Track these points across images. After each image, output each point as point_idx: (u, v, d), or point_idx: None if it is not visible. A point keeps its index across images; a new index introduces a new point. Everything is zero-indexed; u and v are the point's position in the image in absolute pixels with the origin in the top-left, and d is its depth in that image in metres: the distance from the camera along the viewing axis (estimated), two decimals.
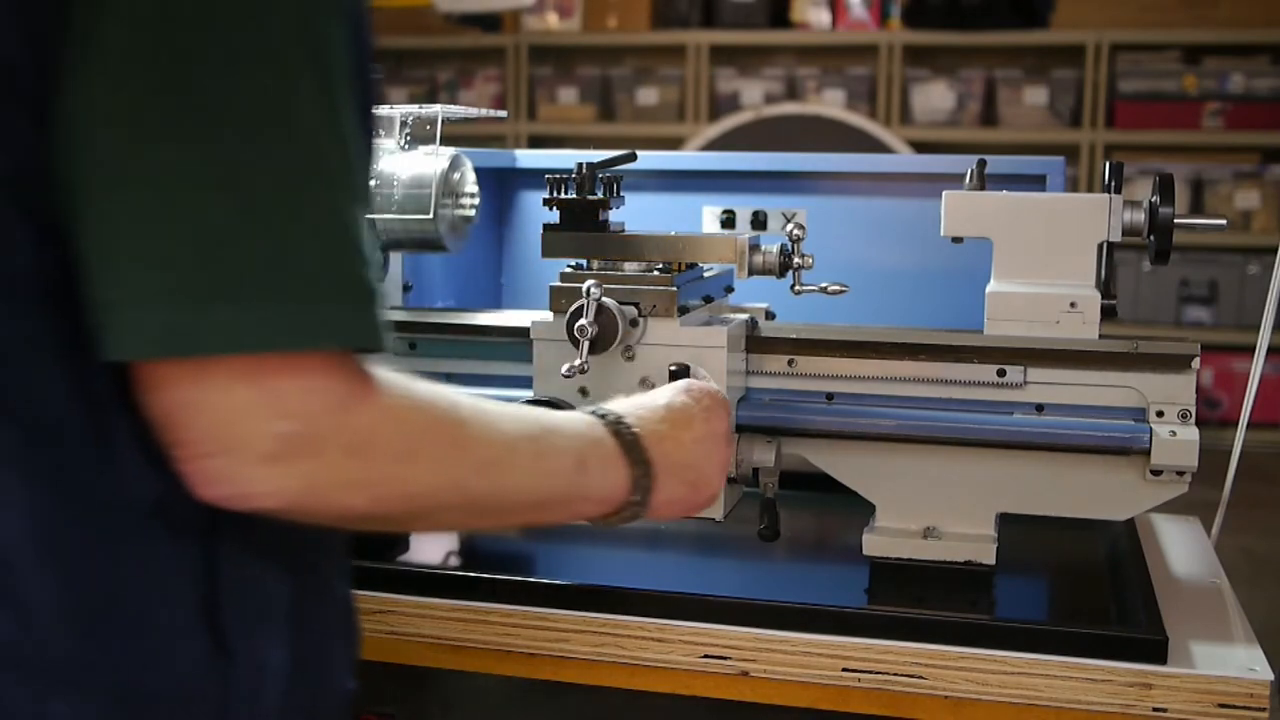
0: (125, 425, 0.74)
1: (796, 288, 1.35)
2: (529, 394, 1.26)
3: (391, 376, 0.78)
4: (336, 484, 0.75)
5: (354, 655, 0.90)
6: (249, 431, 0.72)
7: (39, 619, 0.73)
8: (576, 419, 0.93)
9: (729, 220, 1.47)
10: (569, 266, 1.30)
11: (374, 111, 0.84)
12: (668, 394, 1.03)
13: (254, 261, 0.70)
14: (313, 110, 0.72)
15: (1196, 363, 1.21)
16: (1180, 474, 1.20)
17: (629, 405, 0.98)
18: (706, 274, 1.34)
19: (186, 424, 0.72)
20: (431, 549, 1.38)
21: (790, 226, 1.34)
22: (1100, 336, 1.26)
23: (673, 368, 1.17)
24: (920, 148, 5.24)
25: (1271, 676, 1.07)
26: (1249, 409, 1.42)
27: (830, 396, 1.27)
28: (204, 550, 0.78)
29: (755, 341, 1.29)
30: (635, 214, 1.35)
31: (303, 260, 0.72)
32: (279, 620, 0.83)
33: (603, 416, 0.95)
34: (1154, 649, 1.09)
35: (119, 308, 0.70)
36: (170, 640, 0.77)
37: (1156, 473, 1.21)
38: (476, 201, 1.51)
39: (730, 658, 1.15)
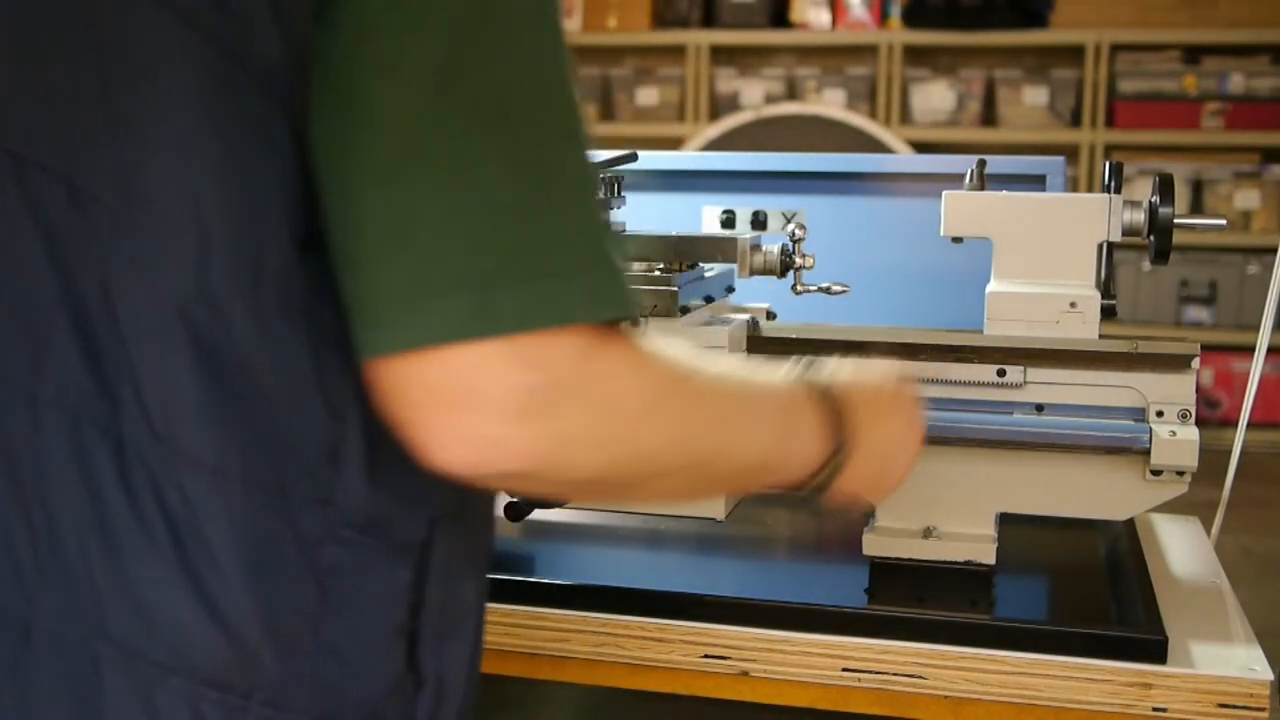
0: (353, 440, 0.73)
1: (797, 288, 1.35)
2: None
3: (627, 330, 0.74)
4: (579, 440, 0.72)
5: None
6: (500, 385, 0.68)
7: (247, 636, 0.71)
8: (783, 380, 0.90)
9: (729, 220, 1.46)
10: None
11: None
12: (880, 376, 0.99)
13: (530, 242, 0.69)
14: (568, 86, 0.71)
15: (1196, 363, 1.21)
16: (1180, 474, 1.20)
17: (839, 374, 0.95)
18: (707, 274, 1.34)
19: (433, 390, 0.69)
20: None
21: (791, 226, 1.34)
22: (1100, 336, 1.26)
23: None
24: (920, 148, 5.24)
25: (1271, 676, 1.08)
26: (1249, 409, 1.42)
27: None
28: (416, 567, 0.76)
29: (756, 341, 1.29)
30: (635, 214, 1.34)
31: (569, 235, 0.70)
32: (463, 640, 0.81)
33: (810, 383, 0.92)
34: (1154, 649, 1.09)
35: (395, 302, 0.68)
36: (369, 659, 0.75)
37: (1156, 473, 1.21)
38: None
39: (730, 658, 1.15)
